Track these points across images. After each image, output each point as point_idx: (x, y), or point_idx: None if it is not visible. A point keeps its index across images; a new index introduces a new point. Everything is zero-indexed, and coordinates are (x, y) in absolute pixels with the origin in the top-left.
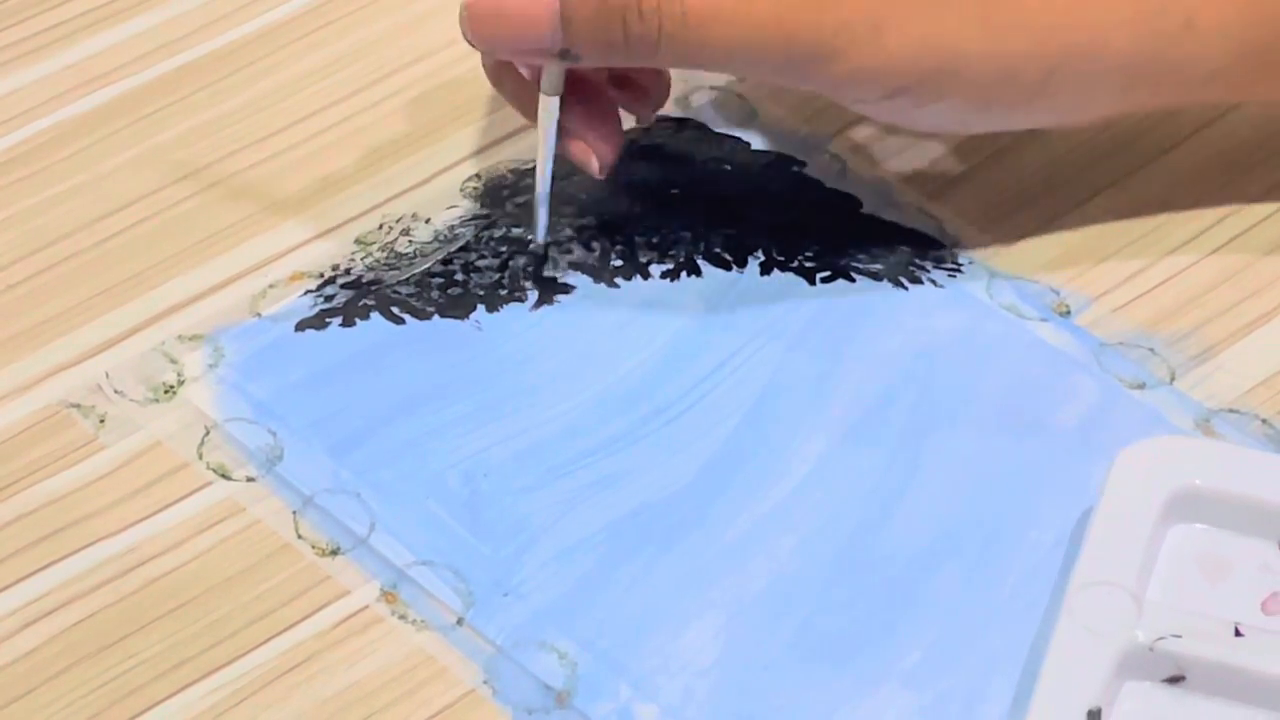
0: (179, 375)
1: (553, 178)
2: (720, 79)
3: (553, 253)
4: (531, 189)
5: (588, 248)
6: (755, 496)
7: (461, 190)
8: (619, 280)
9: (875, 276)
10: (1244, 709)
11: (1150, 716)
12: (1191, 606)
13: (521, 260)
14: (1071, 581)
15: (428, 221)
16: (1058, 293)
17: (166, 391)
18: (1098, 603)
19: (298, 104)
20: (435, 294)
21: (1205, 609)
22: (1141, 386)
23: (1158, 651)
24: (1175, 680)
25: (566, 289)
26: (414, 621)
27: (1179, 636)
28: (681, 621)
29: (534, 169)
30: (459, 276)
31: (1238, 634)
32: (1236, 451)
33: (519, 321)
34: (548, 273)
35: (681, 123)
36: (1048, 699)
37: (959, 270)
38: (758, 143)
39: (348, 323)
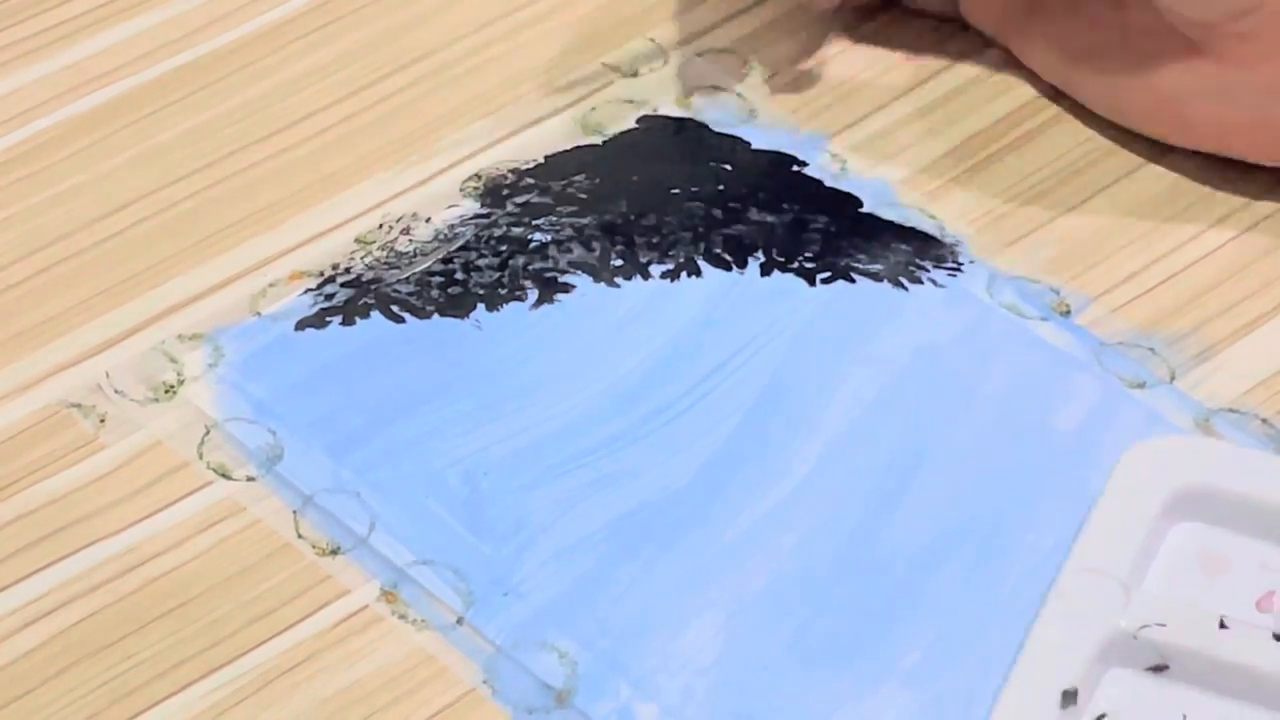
0: (179, 375)
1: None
2: (720, 79)
3: (553, 252)
4: (532, 188)
5: (588, 248)
6: (755, 496)
7: (461, 190)
8: (619, 280)
9: (875, 277)
10: (1225, 701)
11: (1132, 704)
12: (1185, 600)
13: (521, 260)
14: (1065, 568)
15: (428, 221)
16: (1058, 292)
17: (166, 391)
18: (1087, 588)
19: (298, 104)
20: (435, 293)
21: (1198, 603)
22: (1141, 386)
23: (1141, 639)
24: (1159, 669)
25: (566, 289)
26: (414, 621)
27: (1163, 625)
28: (681, 621)
29: (533, 169)
30: (459, 276)
31: (1223, 626)
32: (1241, 452)
33: (519, 321)
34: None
35: (681, 123)
36: (1025, 676)
37: (959, 270)
38: (758, 143)
39: (348, 322)
